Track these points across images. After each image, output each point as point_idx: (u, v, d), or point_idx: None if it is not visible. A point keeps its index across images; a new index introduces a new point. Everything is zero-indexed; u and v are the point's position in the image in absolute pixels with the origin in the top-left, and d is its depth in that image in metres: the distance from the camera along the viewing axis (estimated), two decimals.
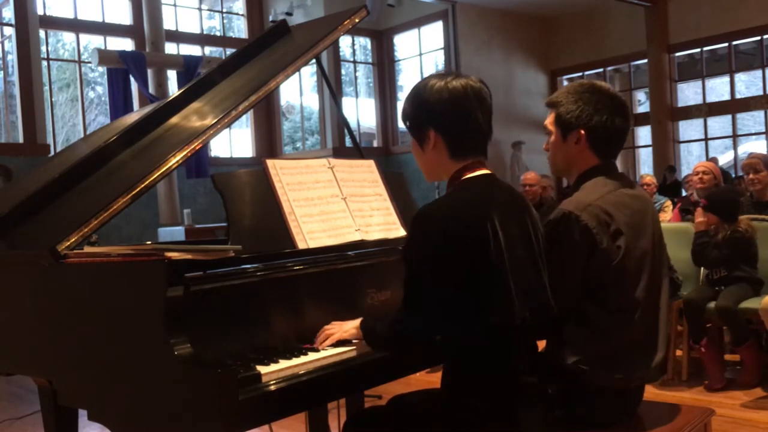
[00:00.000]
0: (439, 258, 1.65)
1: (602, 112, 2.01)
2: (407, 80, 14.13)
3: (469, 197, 1.71)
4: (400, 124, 14.03)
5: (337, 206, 2.26)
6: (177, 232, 9.24)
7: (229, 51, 12.19)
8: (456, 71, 1.84)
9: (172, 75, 10.78)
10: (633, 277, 1.94)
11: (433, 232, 1.66)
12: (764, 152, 10.63)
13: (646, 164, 14.85)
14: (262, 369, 1.70)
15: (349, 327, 1.90)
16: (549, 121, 2.10)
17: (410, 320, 1.71)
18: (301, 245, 2.09)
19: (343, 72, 13.82)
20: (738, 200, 4.52)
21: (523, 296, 1.68)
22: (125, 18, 11.73)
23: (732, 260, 4.24)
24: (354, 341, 1.90)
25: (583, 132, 2.01)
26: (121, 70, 10.12)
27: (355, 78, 14.21)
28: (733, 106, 13.02)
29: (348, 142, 12.46)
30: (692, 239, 4.40)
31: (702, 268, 4.49)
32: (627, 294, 1.93)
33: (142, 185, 2.02)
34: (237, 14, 13.95)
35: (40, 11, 10.71)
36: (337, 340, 1.90)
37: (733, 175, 10.97)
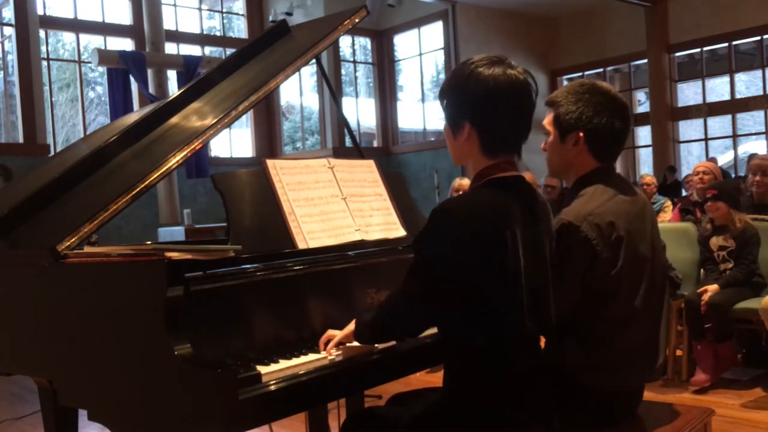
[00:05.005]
0: (454, 257, 1.60)
1: (602, 114, 1.95)
2: (407, 80, 14.13)
3: (493, 200, 1.66)
4: (400, 124, 14.06)
5: (337, 206, 2.26)
6: (177, 232, 9.25)
7: (229, 51, 12.19)
8: (506, 59, 1.70)
9: (172, 75, 10.79)
10: (632, 286, 1.91)
11: (453, 230, 1.61)
12: (764, 152, 10.62)
13: (646, 164, 14.85)
14: (262, 369, 1.70)
15: (347, 327, 1.89)
16: (547, 121, 2.04)
17: (401, 310, 1.70)
18: (301, 245, 2.09)
19: (343, 72, 13.82)
20: (739, 187, 4.69)
21: (530, 308, 1.66)
22: (125, 18, 11.74)
23: (739, 257, 4.29)
24: (350, 344, 1.89)
25: (582, 134, 1.96)
26: (121, 70, 10.13)
27: (355, 78, 14.21)
28: (733, 106, 13.03)
29: (348, 142, 12.45)
30: (694, 240, 4.50)
31: (702, 269, 4.51)
32: (625, 303, 1.90)
33: (142, 185, 2.02)
34: (237, 14, 13.96)
35: (40, 11, 10.72)
36: (339, 342, 1.89)
37: (733, 176, 10.97)
